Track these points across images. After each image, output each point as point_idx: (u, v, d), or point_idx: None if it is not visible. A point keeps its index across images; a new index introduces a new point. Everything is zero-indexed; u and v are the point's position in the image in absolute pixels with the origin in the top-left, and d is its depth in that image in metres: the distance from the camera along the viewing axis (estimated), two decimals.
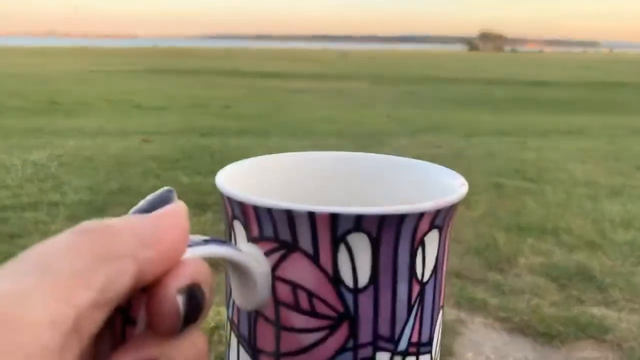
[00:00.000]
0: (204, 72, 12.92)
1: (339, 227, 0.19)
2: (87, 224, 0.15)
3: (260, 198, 0.20)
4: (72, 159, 3.08)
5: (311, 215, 0.19)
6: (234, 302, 0.22)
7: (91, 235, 0.15)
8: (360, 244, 0.19)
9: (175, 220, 0.17)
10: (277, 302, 0.20)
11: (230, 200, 0.21)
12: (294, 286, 0.20)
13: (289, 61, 18.60)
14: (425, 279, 0.21)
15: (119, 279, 0.15)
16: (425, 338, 0.22)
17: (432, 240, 0.21)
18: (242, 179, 0.24)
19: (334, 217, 0.19)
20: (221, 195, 0.22)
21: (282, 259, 0.20)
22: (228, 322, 0.23)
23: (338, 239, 0.19)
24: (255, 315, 0.21)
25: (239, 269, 0.20)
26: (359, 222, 0.19)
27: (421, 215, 0.20)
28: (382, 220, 0.19)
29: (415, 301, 0.21)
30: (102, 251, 0.15)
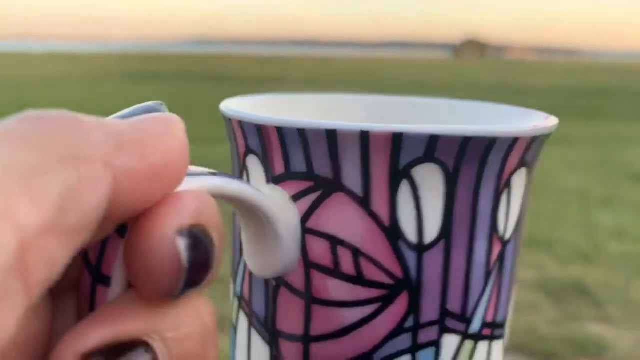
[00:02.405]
0: (184, 77, 12.84)
1: (403, 155, 0.14)
2: (42, 111, 0.10)
3: (288, 118, 0.14)
4: None
5: (364, 137, 0.13)
6: (245, 268, 0.16)
7: (46, 124, 0.09)
8: (431, 180, 0.14)
9: (169, 128, 0.11)
10: (308, 264, 0.14)
11: (243, 126, 0.15)
12: (334, 241, 0.14)
13: (273, 66, 18.58)
14: (508, 236, 0.16)
15: (86, 193, 0.09)
16: (500, 317, 0.16)
17: (519, 183, 0.15)
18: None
19: (396, 140, 0.13)
20: (229, 123, 0.16)
21: (318, 203, 0.14)
22: (235, 299, 0.17)
23: (400, 173, 0.14)
24: (276, 285, 0.15)
25: (255, 219, 0.14)
26: (432, 147, 0.13)
27: (514, 142, 0.14)
28: (465, 145, 0.13)
29: (494, 266, 0.15)
30: (58, 147, 0.09)
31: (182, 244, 0.10)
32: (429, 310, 0.15)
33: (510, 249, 0.16)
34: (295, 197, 0.14)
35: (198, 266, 0.10)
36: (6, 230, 0.08)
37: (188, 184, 0.11)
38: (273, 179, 0.15)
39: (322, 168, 0.14)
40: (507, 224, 0.15)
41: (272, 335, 0.15)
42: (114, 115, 0.12)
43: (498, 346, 0.16)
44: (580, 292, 1.62)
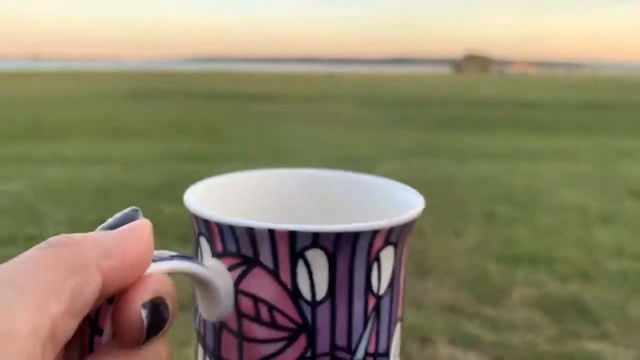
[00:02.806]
0: (188, 95, 12.89)
1: (297, 244, 0.20)
2: (53, 239, 0.16)
3: (223, 216, 0.21)
4: (52, 188, 3.01)
5: (271, 233, 0.20)
6: (200, 314, 0.23)
7: (58, 248, 0.16)
8: (318, 259, 0.21)
9: (139, 234, 0.18)
10: (239, 314, 0.21)
11: (196, 217, 0.22)
12: (255, 299, 0.21)
13: (275, 84, 18.69)
14: (382, 292, 0.22)
15: (86, 288, 0.16)
16: (382, 349, 0.23)
17: (387, 256, 0.22)
18: (212, 196, 0.26)
19: (292, 234, 0.20)
20: (188, 212, 0.23)
21: (245, 273, 0.21)
22: (195, 333, 0.24)
23: (297, 255, 0.20)
24: (219, 327, 0.22)
25: (203, 283, 0.21)
26: (316, 239, 0.20)
27: (375, 232, 0.21)
28: (338, 237, 0.20)
29: (372, 314, 0.22)
30: (69, 263, 0.16)
31: (144, 313, 0.17)
32: (322, 345, 0.21)
33: (385, 301, 0.22)
34: (230, 268, 0.21)
35: (155, 325, 0.17)
36: (44, 318, 0.15)
37: (153, 268, 0.18)
38: (215, 254, 0.22)
39: (246, 250, 0.21)
40: (379, 284, 0.22)
41: None
42: (103, 225, 0.18)
43: None
44: (579, 310, 1.63)
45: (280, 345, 0.21)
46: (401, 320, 0.24)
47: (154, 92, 13.32)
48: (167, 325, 0.18)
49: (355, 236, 0.20)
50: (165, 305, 0.17)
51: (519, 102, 11.40)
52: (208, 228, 0.22)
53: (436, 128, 7.01)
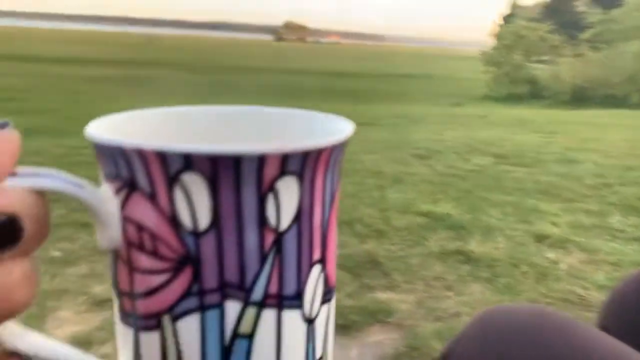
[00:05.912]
0: None
1: (170, 166, 0.18)
2: None
3: (101, 134, 0.19)
4: None
5: (141, 153, 0.18)
6: None
7: None
8: (196, 184, 0.18)
9: (3, 146, 0.16)
10: (127, 242, 0.20)
11: (88, 140, 0.20)
12: (139, 226, 0.19)
13: (88, 45, 16.81)
14: (283, 227, 0.19)
15: None
16: (289, 291, 0.20)
17: (287, 187, 0.19)
18: (119, 131, 0.22)
19: (162, 155, 0.18)
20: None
21: (127, 198, 0.19)
22: None
23: (172, 178, 0.18)
24: (115, 256, 0.21)
25: (88, 207, 0.19)
26: (188, 162, 0.18)
27: (262, 158, 0.18)
28: (215, 161, 0.18)
29: (270, 251, 0.19)
30: None
31: None
32: (209, 280, 0.19)
33: (289, 237, 0.20)
34: (116, 192, 0.19)
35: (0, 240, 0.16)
36: None
37: (10, 182, 0.17)
38: (104, 178, 0.20)
39: (125, 173, 0.19)
40: (279, 218, 0.19)
41: (117, 293, 0.21)
42: None
43: (293, 315, 0.20)
44: (374, 265, 1.85)
45: (164, 277, 0.19)
46: (323, 262, 0.21)
47: None
48: (16, 244, 0.17)
49: (235, 161, 0.18)
50: (15, 223, 0.16)
51: (332, 71, 12.11)
52: (94, 149, 0.20)
53: (258, 95, 7.09)
